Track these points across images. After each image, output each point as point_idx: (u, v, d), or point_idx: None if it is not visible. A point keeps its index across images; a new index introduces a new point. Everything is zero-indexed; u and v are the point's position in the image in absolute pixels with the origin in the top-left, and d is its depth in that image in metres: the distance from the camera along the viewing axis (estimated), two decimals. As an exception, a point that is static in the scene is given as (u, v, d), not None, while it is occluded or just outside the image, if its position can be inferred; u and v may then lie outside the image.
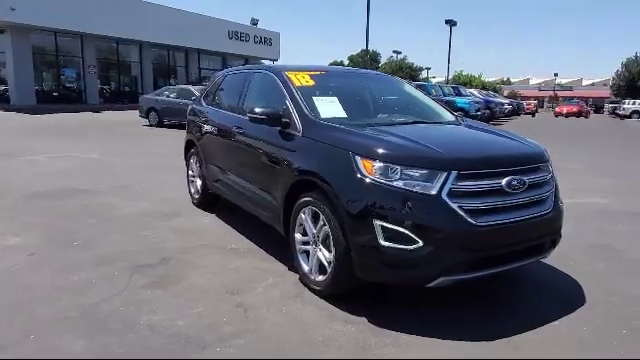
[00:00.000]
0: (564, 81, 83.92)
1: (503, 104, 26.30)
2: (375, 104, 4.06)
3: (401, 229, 2.57)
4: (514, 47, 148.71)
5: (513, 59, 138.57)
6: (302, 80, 3.76)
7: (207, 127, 4.87)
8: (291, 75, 3.81)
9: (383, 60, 79.72)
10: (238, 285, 3.26)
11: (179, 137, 13.17)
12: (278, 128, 3.50)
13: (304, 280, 3.24)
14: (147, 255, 3.81)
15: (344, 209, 2.75)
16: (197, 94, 14.66)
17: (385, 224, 2.61)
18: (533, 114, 38.81)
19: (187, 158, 5.60)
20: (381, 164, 2.69)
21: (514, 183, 2.75)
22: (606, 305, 3.05)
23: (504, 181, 2.73)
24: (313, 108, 3.44)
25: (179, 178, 6.88)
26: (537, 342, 2.59)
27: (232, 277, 3.41)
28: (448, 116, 3.98)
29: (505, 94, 52.91)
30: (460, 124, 3.76)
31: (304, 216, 3.17)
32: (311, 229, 3.12)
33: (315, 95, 3.62)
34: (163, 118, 15.54)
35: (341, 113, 3.49)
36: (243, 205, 4.24)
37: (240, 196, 4.19)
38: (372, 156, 2.73)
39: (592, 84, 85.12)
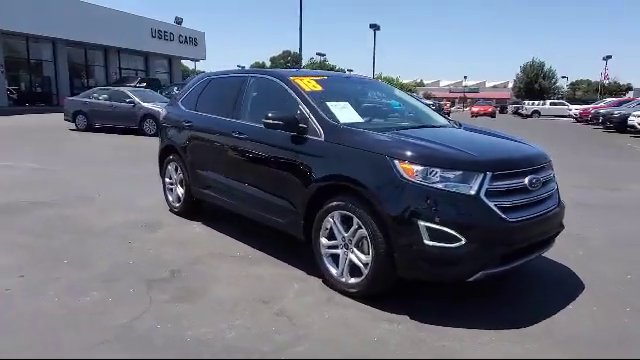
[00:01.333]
0: (470, 83, 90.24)
1: (429, 105, 27.82)
2: (379, 108, 4.20)
3: (445, 228, 2.72)
4: (426, 50, 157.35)
5: (425, 62, 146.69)
6: (309, 85, 3.79)
7: (194, 133, 4.71)
8: (298, 80, 3.83)
9: (305, 62, 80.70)
10: (266, 294, 3.22)
11: (116, 142, 12.62)
12: (292, 133, 3.51)
13: (332, 283, 3.28)
14: (154, 268, 3.63)
15: (386, 212, 2.84)
16: (132, 96, 14.04)
17: (429, 224, 2.74)
18: (448, 114, 41.37)
19: (163, 165, 5.36)
20: (421, 167, 2.82)
21: (534, 181, 3.03)
22: (601, 287, 3.43)
23: (526, 180, 3.00)
24: (330, 113, 3.49)
25: (139, 186, 6.60)
26: (564, 323, 2.87)
27: (255, 286, 3.36)
28: (443, 119, 4.22)
29: (421, 95, 55.78)
30: (458, 127, 4.00)
31: (332, 220, 3.22)
32: (341, 233, 3.18)
33: (326, 100, 3.67)
34: (93, 122, 14.52)
35: (357, 118, 3.58)
36: (246, 212, 4.17)
37: (243, 203, 4.12)
38: (412, 160, 2.85)
39: (494, 86, 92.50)
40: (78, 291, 3.19)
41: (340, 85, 4.23)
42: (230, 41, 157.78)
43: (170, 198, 5.29)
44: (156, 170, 5.64)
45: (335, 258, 3.28)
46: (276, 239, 4.25)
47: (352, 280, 3.14)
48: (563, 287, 3.44)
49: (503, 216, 2.80)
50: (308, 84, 3.80)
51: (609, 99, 33.72)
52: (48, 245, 4.13)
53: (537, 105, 45.28)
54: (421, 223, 2.75)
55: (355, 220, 3.05)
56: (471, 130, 3.90)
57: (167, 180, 5.31)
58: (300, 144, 3.46)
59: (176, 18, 31.78)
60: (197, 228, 4.77)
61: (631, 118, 18.86)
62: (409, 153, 2.90)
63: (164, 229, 4.69)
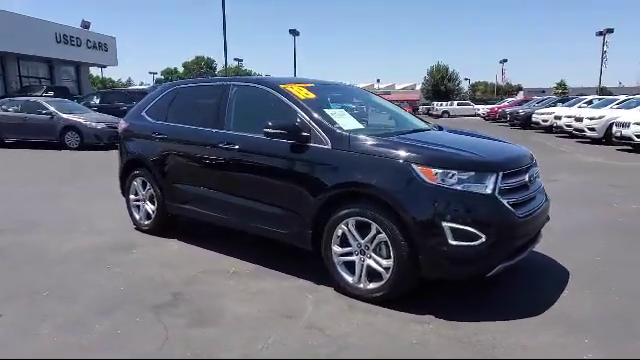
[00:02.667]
0: (382, 86, 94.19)
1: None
2: (366, 114, 4.25)
3: (467, 227, 2.85)
4: (341, 55, 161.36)
5: (341, 66, 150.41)
6: (303, 93, 3.75)
7: (169, 145, 4.43)
8: (290, 88, 3.77)
9: (219, 67, 79.14)
10: (284, 308, 3.13)
11: (39, 158, 11.58)
12: (293, 142, 3.45)
13: (348, 291, 3.27)
14: (151, 293, 3.37)
15: (410, 215, 2.90)
16: (49, 107, 12.86)
17: (453, 225, 2.85)
18: (369, 116, 42.93)
19: (126, 182, 4.98)
20: (440, 170, 2.92)
21: (532, 178, 3.27)
22: (582, 271, 3.75)
23: (527, 177, 3.23)
24: (333, 121, 3.48)
25: (87, 205, 6.16)
26: (569, 308, 3.10)
27: (268, 301, 3.25)
28: (424, 123, 4.37)
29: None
30: (440, 130, 4.17)
31: (346, 227, 3.21)
32: (357, 239, 3.18)
33: (324, 108, 3.66)
34: (2, 136, 13.06)
35: (358, 124, 3.61)
36: (239, 225, 4.02)
37: (235, 216, 3.95)
38: (431, 163, 2.94)
39: (404, 88, 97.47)
40: (76, 327, 2.88)
41: (328, 92, 4.21)
42: (140, 47, 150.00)
43: (137, 216, 4.93)
44: (101, 186, 5.27)
45: (349, 265, 3.28)
46: (263, 250, 4.18)
47: (371, 285, 3.16)
48: (552, 275, 3.73)
49: (515, 212, 2.99)
50: (300, 92, 3.76)
51: (510, 99, 37.07)
52: (15, 278, 3.67)
53: (446, 106, 48.57)
54: (445, 224, 2.85)
55: (374, 226, 3.07)
56: (459, 133, 4.09)
57: (132, 197, 4.95)
58: (303, 153, 3.42)
59: (83, 22, 29.42)
60: (175, 245, 4.50)
61: (534, 116, 20.89)
62: (427, 157, 2.99)
63: (140, 249, 4.36)
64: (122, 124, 5.11)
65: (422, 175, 2.92)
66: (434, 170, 2.92)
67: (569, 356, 2.55)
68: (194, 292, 3.39)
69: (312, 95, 3.77)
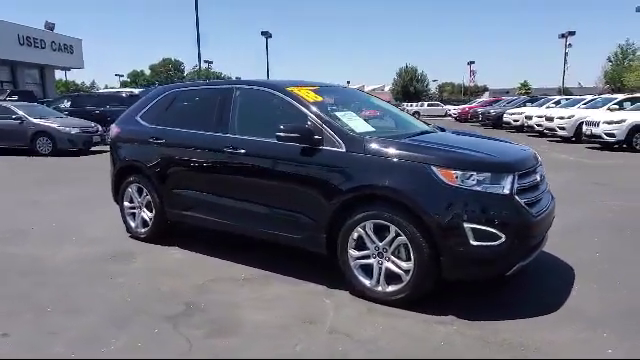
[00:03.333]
0: (353, 87, 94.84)
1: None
2: (370, 116, 4.25)
3: (488, 228, 2.88)
4: (310, 56, 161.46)
5: (312, 68, 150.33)
6: (311, 96, 3.72)
7: (168, 150, 4.31)
8: (297, 91, 3.74)
9: (187, 69, 77.83)
10: (304, 314, 3.09)
11: (10, 164, 10.95)
12: (304, 145, 3.41)
13: (366, 294, 3.25)
14: (162, 304, 3.27)
15: (431, 217, 2.91)
16: (18, 111, 12.36)
17: (474, 225, 2.88)
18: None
19: (120, 189, 4.81)
20: (460, 172, 2.94)
21: (542, 178, 3.34)
22: (585, 268, 3.85)
23: (537, 177, 3.29)
24: (344, 124, 3.47)
25: (75, 213, 5.97)
26: (582, 304, 3.18)
27: (286, 307, 3.20)
28: (426, 125, 4.41)
29: (312, 101, 57.09)
30: (443, 131, 4.21)
31: (363, 230, 3.20)
32: (375, 242, 3.17)
33: (333, 110, 3.64)
34: (-32, 143, 12.44)
35: (369, 127, 3.60)
36: (247, 231, 3.94)
37: (243, 221, 3.87)
38: (451, 165, 2.96)
39: (373, 90, 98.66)
40: (92, 342, 2.75)
41: (332, 95, 4.19)
42: (104, 48, 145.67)
43: (132, 224, 4.77)
44: (85, 193, 5.08)
45: (365, 268, 3.27)
46: (267, 255, 4.15)
47: (390, 288, 3.15)
48: (557, 273, 3.81)
49: (530, 211, 3.05)
50: (309, 95, 3.72)
51: (479, 99, 37.93)
52: (13, 292, 3.48)
53: (417, 106, 49.39)
54: (466, 225, 2.88)
55: (393, 228, 3.06)
56: (463, 134, 4.14)
57: (127, 204, 4.79)
58: (315, 156, 3.38)
59: (47, 23, 28.34)
60: (177, 254, 4.37)
61: (506, 116, 21.45)
62: (446, 159, 3.01)
63: (140, 258, 4.23)
64: (114, 129, 4.94)
65: (442, 177, 2.94)
66: (454, 172, 2.94)
67: (594, 350, 2.61)
68: (207, 301, 3.30)
69: (320, 98, 3.75)
